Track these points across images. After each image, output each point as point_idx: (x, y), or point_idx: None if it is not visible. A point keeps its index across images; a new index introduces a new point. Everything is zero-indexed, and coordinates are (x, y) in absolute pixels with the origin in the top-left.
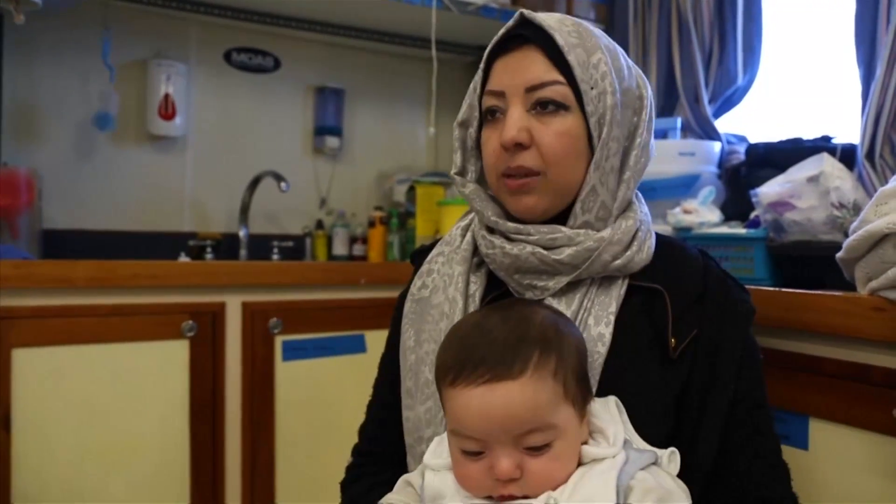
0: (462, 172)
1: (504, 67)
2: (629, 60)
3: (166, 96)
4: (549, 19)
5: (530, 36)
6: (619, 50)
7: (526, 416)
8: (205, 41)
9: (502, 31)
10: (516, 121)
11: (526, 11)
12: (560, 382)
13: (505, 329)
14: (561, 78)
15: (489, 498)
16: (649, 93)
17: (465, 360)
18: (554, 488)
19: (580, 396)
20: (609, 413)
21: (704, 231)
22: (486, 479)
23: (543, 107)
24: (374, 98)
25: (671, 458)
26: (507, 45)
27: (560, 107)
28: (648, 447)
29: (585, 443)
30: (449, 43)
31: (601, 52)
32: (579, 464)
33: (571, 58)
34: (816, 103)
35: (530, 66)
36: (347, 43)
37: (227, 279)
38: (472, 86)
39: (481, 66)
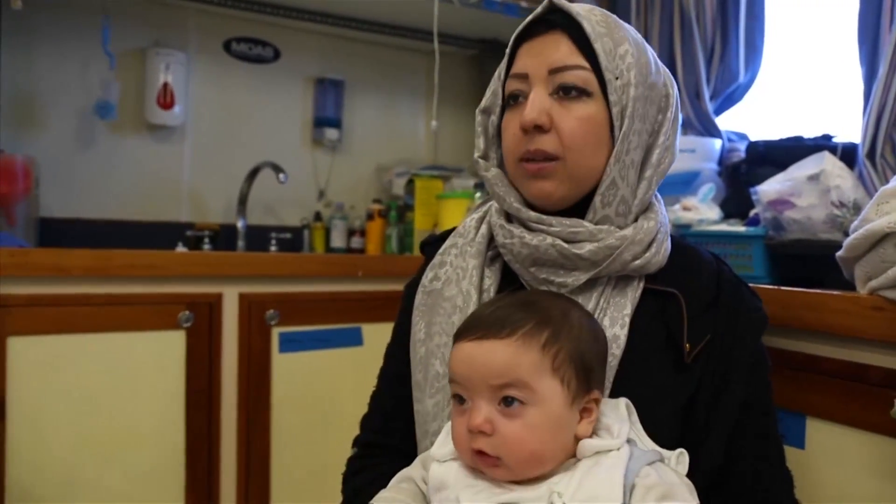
0: (485, 157)
1: (529, 51)
2: (658, 61)
3: (165, 85)
4: (577, 7)
5: (558, 21)
6: (649, 47)
7: (502, 369)
8: (204, 30)
9: (530, 16)
10: (538, 103)
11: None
12: (549, 356)
13: (513, 304)
14: (585, 63)
15: (489, 482)
16: (676, 92)
17: (468, 324)
18: (533, 464)
19: (575, 382)
20: (617, 413)
21: (704, 228)
22: (465, 432)
23: (566, 92)
24: (373, 90)
25: (679, 458)
26: (534, 29)
27: (583, 93)
28: (654, 447)
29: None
30: (450, 36)
31: (629, 44)
32: (579, 458)
33: (598, 45)
34: (818, 102)
35: (556, 50)
36: (348, 34)
37: (224, 270)
38: (497, 72)
39: (507, 51)
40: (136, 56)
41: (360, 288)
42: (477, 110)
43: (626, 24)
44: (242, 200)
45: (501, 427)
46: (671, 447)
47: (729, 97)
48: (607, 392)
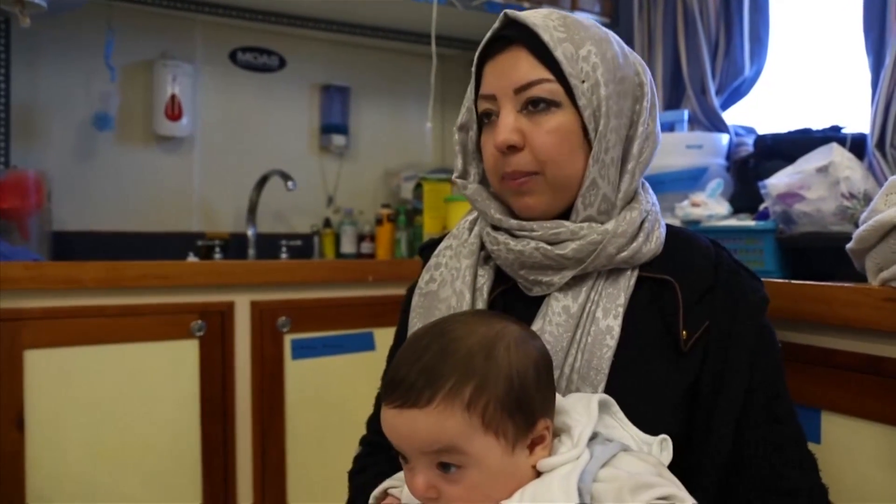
0: (464, 175)
1: (493, 70)
2: (626, 48)
3: (172, 97)
4: (533, 17)
5: (515, 36)
6: (614, 38)
7: (429, 439)
8: (210, 41)
9: (489, 33)
10: (507, 124)
11: (510, 11)
12: (476, 414)
13: (432, 349)
14: (549, 75)
15: None
16: (649, 79)
17: (391, 377)
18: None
19: (512, 428)
20: (588, 411)
21: (713, 224)
22: (416, 490)
23: (535, 105)
24: (379, 95)
25: (663, 445)
26: (494, 47)
27: (551, 104)
28: (638, 436)
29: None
30: (454, 38)
31: (590, 43)
32: (539, 473)
33: (558, 53)
34: (825, 93)
35: (517, 67)
36: (352, 41)
37: (235, 278)
38: (468, 90)
39: (473, 70)
40: (143, 68)
41: (371, 293)
42: (454, 128)
43: (588, 22)
44: (252, 209)
45: (445, 490)
46: (672, 437)
47: (735, 91)
48: (602, 385)
